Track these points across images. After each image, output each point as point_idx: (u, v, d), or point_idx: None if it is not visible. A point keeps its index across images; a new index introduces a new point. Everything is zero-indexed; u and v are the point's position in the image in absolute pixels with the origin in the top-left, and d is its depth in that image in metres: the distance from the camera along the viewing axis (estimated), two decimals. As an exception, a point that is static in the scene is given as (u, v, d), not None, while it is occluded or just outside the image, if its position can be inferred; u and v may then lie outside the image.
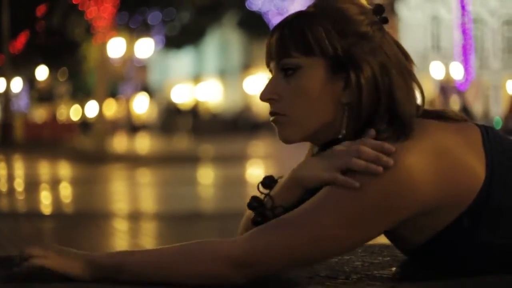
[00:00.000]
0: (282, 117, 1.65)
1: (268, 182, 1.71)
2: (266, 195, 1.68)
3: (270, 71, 1.69)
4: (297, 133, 1.65)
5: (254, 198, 1.69)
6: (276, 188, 1.68)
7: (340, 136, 1.62)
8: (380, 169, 1.52)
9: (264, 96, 1.66)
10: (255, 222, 1.64)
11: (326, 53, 1.61)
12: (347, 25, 1.62)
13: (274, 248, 1.54)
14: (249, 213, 1.74)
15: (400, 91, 1.61)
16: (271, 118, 1.68)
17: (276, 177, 1.72)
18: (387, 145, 1.55)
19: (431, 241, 1.61)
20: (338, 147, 1.60)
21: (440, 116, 1.66)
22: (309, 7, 1.69)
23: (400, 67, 1.63)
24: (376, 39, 1.62)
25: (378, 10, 1.67)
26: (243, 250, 1.54)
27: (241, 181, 13.42)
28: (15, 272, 1.56)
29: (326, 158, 1.60)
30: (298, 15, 1.67)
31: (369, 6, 1.68)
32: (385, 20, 1.67)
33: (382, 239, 1.74)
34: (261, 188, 1.70)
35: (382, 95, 1.60)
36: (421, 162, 1.55)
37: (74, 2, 23.23)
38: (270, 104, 1.66)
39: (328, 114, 1.63)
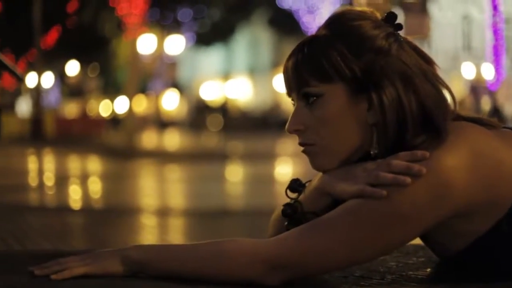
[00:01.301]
0: (312, 147, 1.64)
1: (295, 186, 1.70)
2: (296, 200, 1.66)
3: (292, 100, 1.66)
4: (329, 161, 1.64)
5: (287, 205, 1.68)
6: (306, 194, 1.68)
7: (371, 153, 1.60)
8: (408, 180, 1.50)
9: (290, 128, 1.65)
10: (289, 229, 1.63)
11: (344, 77, 1.58)
12: (361, 44, 1.59)
13: (311, 251, 1.53)
14: (277, 213, 1.73)
15: (428, 98, 1.58)
16: (302, 149, 1.66)
17: (303, 181, 1.71)
18: (420, 153, 1.53)
19: (470, 247, 1.59)
20: (369, 164, 1.59)
21: (476, 122, 1.63)
22: (321, 29, 1.65)
23: (423, 73, 1.60)
24: (393, 51, 1.59)
25: (390, 18, 1.64)
26: (279, 252, 1.54)
27: (269, 179, 13.42)
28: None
29: (353, 172, 1.59)
30: (311, 40, 1.64)
31: (379, 15, 1.65)
32: (400, 27, 1.64)
33: (417, 240, 1.72)
34: (289, 193, 1.70)
35: (408, 110, 1.57)
36: (457, 164, 1.53)
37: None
38: (298, 135, 1.65)
39: (356, 137, 1.61)
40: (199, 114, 43.00)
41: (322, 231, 1.54)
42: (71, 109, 43.66)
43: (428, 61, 1.64)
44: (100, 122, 34.78)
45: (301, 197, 1.67)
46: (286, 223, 1.66)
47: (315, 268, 1.55)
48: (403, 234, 1.54)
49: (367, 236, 1.52)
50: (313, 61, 1.60)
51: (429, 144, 1.55)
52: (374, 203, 1.52)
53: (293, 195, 1.69)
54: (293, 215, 1.66)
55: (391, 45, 1.60)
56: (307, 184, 1.70)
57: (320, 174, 1.67)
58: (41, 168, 16.35)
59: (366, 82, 1.58)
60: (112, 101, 46.35)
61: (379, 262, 1.80)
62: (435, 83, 1.61)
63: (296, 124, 1.64)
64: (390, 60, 1.58)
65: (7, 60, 2.72)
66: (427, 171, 1.51)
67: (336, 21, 1.63)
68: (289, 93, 1.67)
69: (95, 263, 1.56)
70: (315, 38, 1.64)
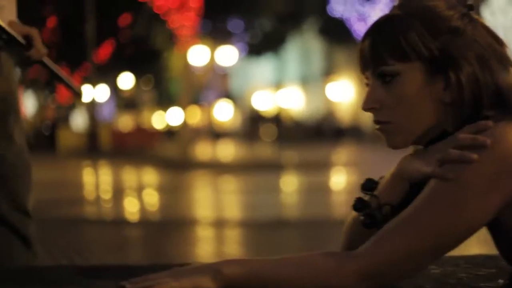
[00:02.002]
0: (387, 125, 1.64)
1: (369, 184, 1.69)
2: (371, 195, 1.65)
3: (366, 78, 1.67)
4: (404, 139, 1.64)
5: (358, 199, 1.68)
6: (380, 186, 1.68)
7: (447, 132, 1.62)
8: (475, 156, 1.50)
9: (366, 106, 1.66)
10: (365, 224, 1.64)
11: (422, 56, 1.60)
12: (438, 24, 1.60)
13: (399, 255, 1.52)
14: (352, 217, 1.72)
15: (502, 78, 1.60)
16: (376, 127, 1.67)
17: (376, 179, 1.70)
18: (483, 122, 1.54)
19: None
20: (440, 143, 1.60)
21: None
22: (395, 9, 1.66)
23: (496, 54, 1.61)
24: (468, 32, 1.61)
25: None
26: (368, 262, 1.52)
27: (325, 188, 13.37)
28: None
29: (428, 152, 1.60)
30: (388, 19, 1.65)
31: None
32: (471, 8, 1.65)
33: (486, 250, 1.69)
34: (362, 192, 1.69)
35: (484, 88, 1.58)
36: None
37: (157, 12, 23.50)
38: (373, 113, 1.65)
39: (432, 116, 1.62)
40: (252, 124, 43.07)
41: (406, 230, 1.53)
42: (125, 122, 44.05)
43: (501, 43, 1.65)
44: (154, 134, 35.00)
45: (377, 191, 1.67)
46: (361, 217, 1.65)
47: (404, 272, 1.54)
48: (479, 210, 1.52)
49: (448, 221, 1.51)
50: (391, 40, 1.62)
51: (500, 119, 1.56)
52: (447, 185, 1.52)
53: (368, 193, 1.68)
54: (364, 209, 1.65)
55: (466, 26, 1.61)
56: (380, 181, 1.69)
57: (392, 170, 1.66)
58: (97, 181, 16.50)
59: (443, 61, 1.59)
60: (166, 113, 46.68)
61: (449, 274, 1.78)
62: (507, 65, 1.62)
63: (372, 102, 1.65)
64: (466, 40, 1.60)
65: (66, 75, 2.74)
66: (493, 142, 1.50)
67: (411, 2, 1.65)
68: (363, 71, 1.68)
69: (186, 279, 1.54)
70: (391, 17, 1.65)
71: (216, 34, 37.24)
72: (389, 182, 1.66)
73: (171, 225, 8.99)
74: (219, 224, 9.02)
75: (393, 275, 1.54)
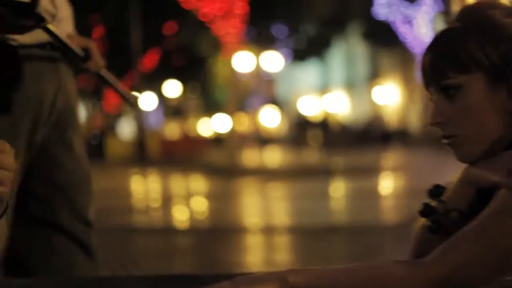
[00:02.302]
0: (455, 139, 1.65)
1: (437, 190, 1.69)
2: (438, 200, 1.66)
3: (430, 94, 1.68)
4: (472, 151, 1.64)
5: (425, 205, 1.68)
6: (448, 191, 1.67)
7: None
8: None
9: (432, 121, 1.67)
10: (431, 230, 1.64)
11: (483, 66, 1.60)
12: (497, 33, 1.60)
13: (468, 265, 1.52)
14: (420, 223, 1.72)
15: None
16: (445, 141, 1.67)
17: (444, 185, 1.70)
18: None
19: None
20: (509, 151, 1.59)
21: None
22: (453, 21, 1.67)
23: None
24: None
25: None
26: (438, 271, 1.53)
27: (373, 194, 13.30)
28: None
29: (496, 160, 1.60)
30: (446, 32, 1.66)
31: (507, 5, 1.66)
32: None
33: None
34: (429, 197, 1.69)
35: None
36: None
37: (202, 20, 23.59)
38: (439, 127, 1.66)
39: (498, 126, 1.62)
40: (299, 130, 42.98)
41: (475, 240, 1.53)
42: (172, 130, 44.26)
43: None
44: (202, 141, 35.11)
45: (444, 196, 1.67)
46: (427, 223, 1.66)
47: (475, 280, 1.54)
48: None
49: None
50: (451, 53, 1.62)
51: None
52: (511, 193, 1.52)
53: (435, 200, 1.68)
54: (431, 214, 1.65)
55: None
56: (447, 187, 1.69)
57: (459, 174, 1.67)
58: (146, 189, 16.60)
59: (504, 69, 1.59)
60: (213, 120, 46.80)
61: None
62: None
63: (437, 116, 1.65)
64: None
65: (122, 87, 2.78)
66: None
67: (468, 12, 1.66)
68: (427, 87, 1.69)
69: None
70: (449, 30, 1.66)
71: (261, 40, 37.26)
72: (456, 188, 1.65)
73: (220, 232, 9.01)
74: (268, 231, 9.02)
75: (462, 285, 1.53)
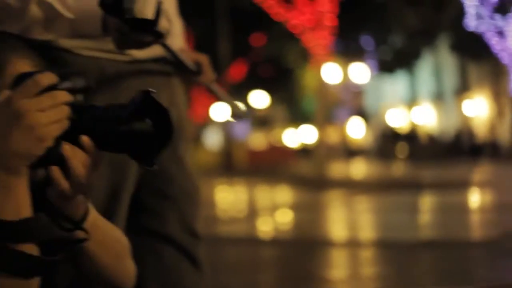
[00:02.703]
0: None
1: None
2: None
3: None
4: None
5: None
6: None
7: None
8: None
9: None
10: None
11: None
12: None
13: None
14: None
15: None
16: None
17: None
18: None
19: None
20: None
21: None
22: None
23: None
24: None
25: None
26: None
27: (462, 208, 13.06)
28: None
29: None
30: None
31: None
32: None
33: None
34: None
35: None
36: None
37: (292, 31, 23.61)
38: None
39: None
40: (387, 142, 42.62)
41: None
42: (259, 140, 44.41)
43: None
44: (288, 152, 35.12)
45: None
46: None
47: None
48: None
49: None
50: None
51: None
52: None
53: None
54: None
55: None
56: None
57: None
58: (232, 199, 16.66)
59: None
60: (299, 131, 46.80)
61: None
62: None
63: None
64: None
65: (231, 99, 2.81)
66: None
67: None
68: None
69: None
70: None
71: (348, 52, 37.14)
72: None
73: (305, 245, 8.97)
74: (354, 244, 8.94)
75: None
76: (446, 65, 46.78)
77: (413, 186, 17.29)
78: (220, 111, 33.15)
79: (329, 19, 22.55)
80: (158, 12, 2.16)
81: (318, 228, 10.77)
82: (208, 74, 2.62)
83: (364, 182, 20.83)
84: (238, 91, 34.30)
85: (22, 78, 1.45)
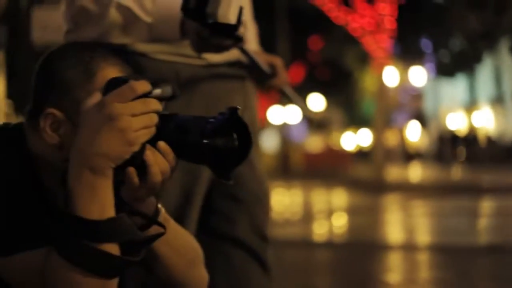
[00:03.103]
0: None
1: None
2: None
3: None
4: None
5: None
6: None
7: None
8: None
9: None
10: None
11: None
12: None
13: None
14: None
15: None
16: None
17: None
18: None
19: None
20: None
21: None
22: None
23: None
24: None
25: None
26: None
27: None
28: None
29: None
30: None
31: None
32: None
33: None
34: None
35: None
36: None
37: (351, 34, 23.52)
38: None
39: None
40: (445, 145, 42.27)
41: None
42: (316, 143, 44.36)
43: None
44: (345, 155, 34.99)
45: None
46: None
47: None
48: None
49: None
50: None
51: None
52: None
53: None
54: None
55: None
56: None
57: None
58: (290, 202, 16.65)
59: None
60: (356, 134, 46.64)
61: None
62: None
63: None
64: None
65: (303, 103, 2.81)
66: None
67: None
68: None
69: None
70: None
71: (407, 55, 36.91)
72: None
73: (361, 248, 8.93)
74: (411, 248, 8.87)
75: None
76: (506, 68, 46.23)
77: (472, 190, 17.10)
78: (277, 114, 33.16)
79: (389, 22, 22.44)
80: (240, 17, 2.16)
81: (375, 232, 10.71)
82: (282, 76, 2.62)
83: (422, 185, 20.64)
84: (296, 93, 34.32)
85: (113, 82, 1.50)
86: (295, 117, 40.53)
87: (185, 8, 2.14)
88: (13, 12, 16.06)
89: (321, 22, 26.64)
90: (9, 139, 1.63)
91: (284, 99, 2.85)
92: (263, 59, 2.55)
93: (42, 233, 1.53)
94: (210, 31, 2.17)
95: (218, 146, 1.48)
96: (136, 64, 2.26)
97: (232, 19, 2.15)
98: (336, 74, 34.58)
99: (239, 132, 1.51)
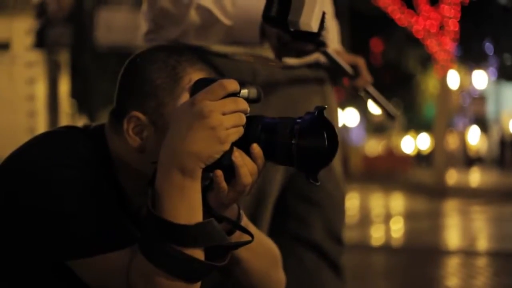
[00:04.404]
0: None
1: None
2: None
3: None
4: None
5: None
6: None
7: None
8: None
9: None
10: None
11: None
12: None
13: None
14: None
15: None
16: None
17: None
18: None
19: None
20: None
21: None
22: None
23: None
24: None
25: None
26: None
27: None
28: None
29: None
30: None
31: None
32: None
33: None
34: None
35: None
36: None
37: (415, 36, 23.32)
38: None
39: None
40: (507, 150, 41.71)
41: None
42: (374, 146, 44.14)
43: None
44: (405, 159, 34.73)
45: None
46: None
47: None
48: None
49: None
50: None
51: None
52: None
53: None
54: None
55: None
56: None
57: None
58: (349, 205, 16.54)
59: None
60: (415, 137, 46.27)
61: None
62: None
63: None
64: None
65: (386, 102, 2.76)
66: None
67: None
68: None
69: None
70: None
71: (468, 58, 36.50)
72: None
73: (419, 253, 8.86)
74: (470, 254, 8.78)
75: None
76: None
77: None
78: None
79: (452, 24, 22.23)
80: (322, 22, 2.11)
81: (435, 236, 10.63)
82: (365, 76, 2.56)
83: (483, 190, 20.38)
84: (355, 96, 34.18)
85: (201, 83, 1.48)
86: (354, 119, 40.39)
87: (266, 16, 2.08)
88: (78, 12, 16.29)
89: (382, 24, 26.49)
90: (91, 141, 1.63)
91: (365, 100, 2.76)
92: (345, 59, 2.50)
93: (121, 234, 1.52)
94: (292, 37, 2.13)
95: (307, 146, 1.46)
96: (215, 66, 2.25)
97: (314, 26, 2.08)
98: (397, 77, 34.34)
99: (328, 133, 1.48)
